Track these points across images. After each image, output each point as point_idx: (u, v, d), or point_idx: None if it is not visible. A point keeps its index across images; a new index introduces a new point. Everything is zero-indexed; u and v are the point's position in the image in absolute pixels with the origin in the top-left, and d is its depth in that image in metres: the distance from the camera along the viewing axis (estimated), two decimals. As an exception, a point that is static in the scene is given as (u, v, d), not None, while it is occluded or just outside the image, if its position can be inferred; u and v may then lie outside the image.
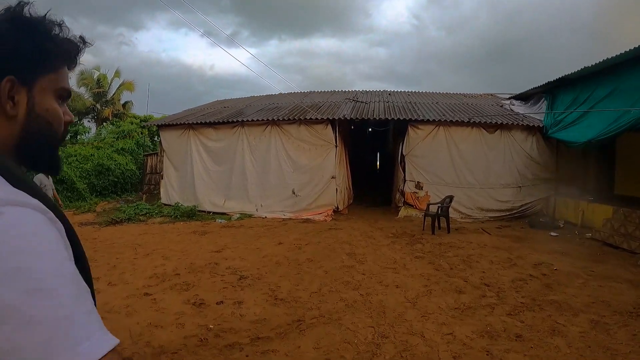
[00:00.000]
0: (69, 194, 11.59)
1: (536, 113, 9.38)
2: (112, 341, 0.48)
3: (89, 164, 12.44)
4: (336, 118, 8.94)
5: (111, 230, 7.81)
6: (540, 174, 8.92)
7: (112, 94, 21.07)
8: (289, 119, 9.18)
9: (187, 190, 10.16)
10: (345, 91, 14.21)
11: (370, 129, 17.68)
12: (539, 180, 8.93)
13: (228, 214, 9.37)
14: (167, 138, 10.84)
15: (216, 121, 9.87)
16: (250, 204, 9.50)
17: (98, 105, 20.77)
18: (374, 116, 9.19)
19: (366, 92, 13.95)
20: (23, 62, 0.59)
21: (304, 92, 14.60)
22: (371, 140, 17.75)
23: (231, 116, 10.08)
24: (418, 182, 8.92)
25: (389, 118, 8.99)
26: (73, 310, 0.46)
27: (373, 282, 4.37)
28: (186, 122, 10.38)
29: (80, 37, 0.68)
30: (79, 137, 16.56)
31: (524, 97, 10.72)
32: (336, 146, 9.00)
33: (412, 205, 8.95)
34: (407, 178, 8.99)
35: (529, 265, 5.13)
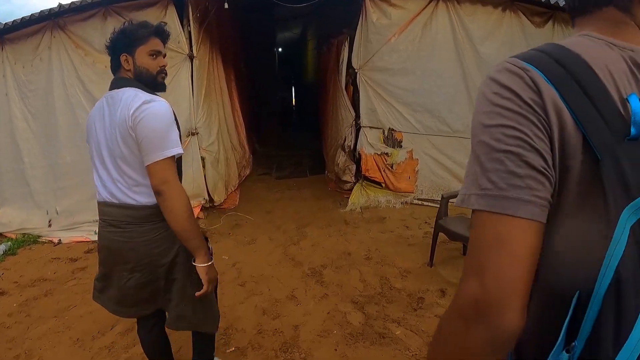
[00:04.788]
0: None
1: None
2: (180, 150, 1.26)
3: None
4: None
5: None
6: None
7: None
8: (81, 7, 3.74)
9: None
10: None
11: (280, 49, 12.38)
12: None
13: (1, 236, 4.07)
14: None
15: None
16: (38, 210, 4.23)
17: None
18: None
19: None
20: (128, 44, 1.33)
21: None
22: (282, 65, 12.48)
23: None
24: (391, 129, 4.26)
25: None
26: (177, 136, 1.31)
27: None
28: None
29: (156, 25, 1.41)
30: None
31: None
32: (191, 57, 3.94)
33: (377, 182, 4.37)
34: (363, 122, 4.30)
35: None
